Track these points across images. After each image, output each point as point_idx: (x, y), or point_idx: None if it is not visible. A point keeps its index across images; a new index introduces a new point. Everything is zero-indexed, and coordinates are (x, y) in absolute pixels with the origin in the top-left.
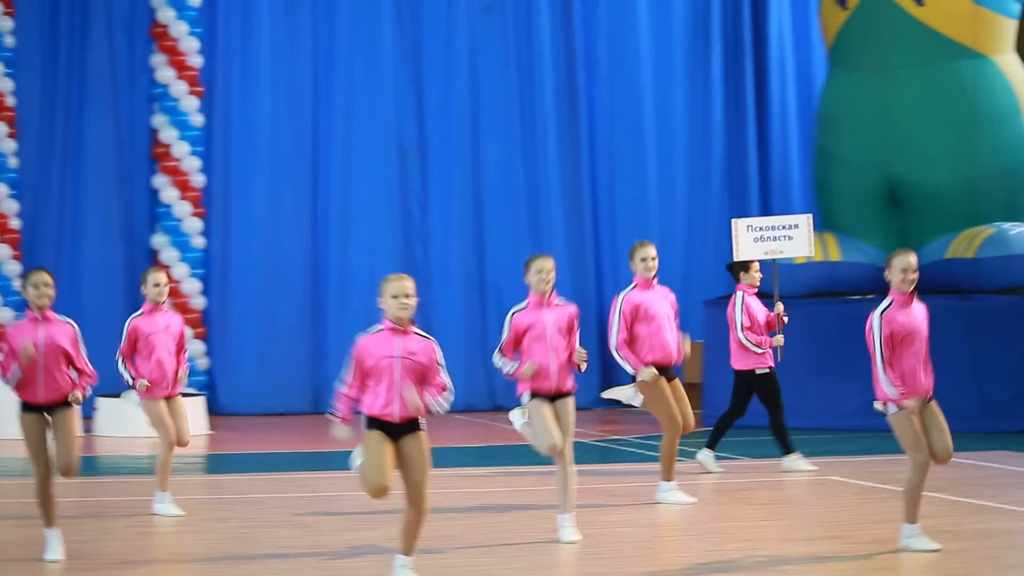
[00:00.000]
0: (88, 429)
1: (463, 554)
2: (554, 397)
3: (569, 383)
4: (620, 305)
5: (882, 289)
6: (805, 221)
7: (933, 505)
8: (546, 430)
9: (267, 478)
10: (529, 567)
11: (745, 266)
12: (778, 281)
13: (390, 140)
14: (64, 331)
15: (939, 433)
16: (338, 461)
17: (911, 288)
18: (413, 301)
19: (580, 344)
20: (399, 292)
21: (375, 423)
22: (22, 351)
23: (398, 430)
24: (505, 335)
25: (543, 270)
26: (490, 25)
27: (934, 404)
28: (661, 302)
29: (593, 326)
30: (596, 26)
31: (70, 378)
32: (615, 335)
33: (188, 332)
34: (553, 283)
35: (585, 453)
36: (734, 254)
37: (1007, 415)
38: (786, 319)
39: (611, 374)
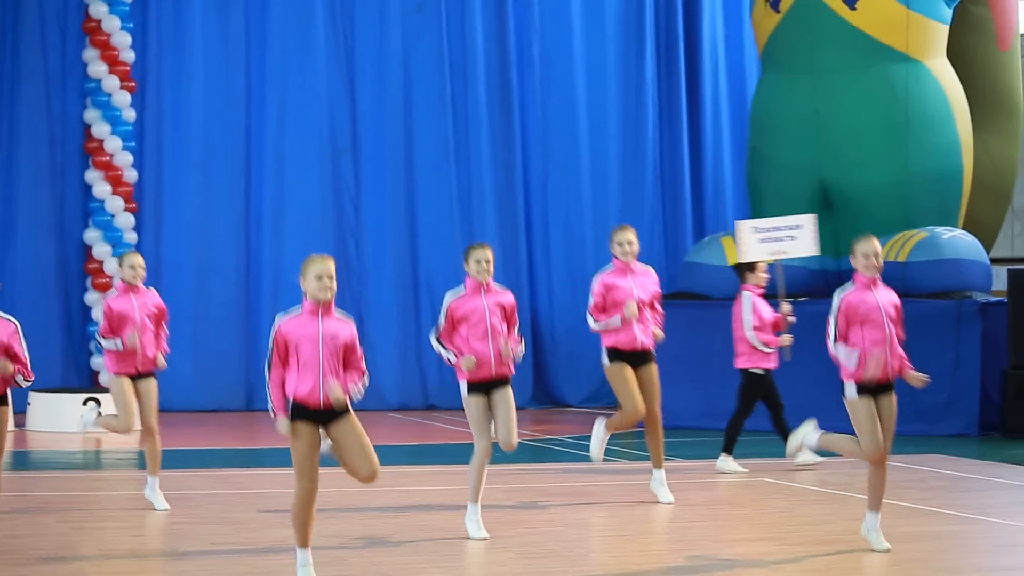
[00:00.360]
0: (21, 424)
1: (393, 552)
2: (492, 385)
3: (507, 368)
4: (593, 285)
5: (813, 292)
6: (809, 221)
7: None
8: (479, 434)
9: (200, 475)
10: (460, 566)
11: (751, 266)
12: (783, 281)
13: (323, 137)
14: (5, 328)
15: (883, 431)
16: (271, 458)
17: (874, 274)
18: (334, 283)
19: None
20: (322, 273)
21: (301, 411)
22: None
23: (325, 416)
24: (442, 321)
25: (482, 260)
26: (423, 24)
27: (892, 401)
28: (635, 287)
29: (527, 324)
30: (529, 26)
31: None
32: (590, 312)
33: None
34: (492, 272)
35: (519, 453)
36: (739, 255)
37: (939, 418)
38: (792, 319)
39: (544, 373)
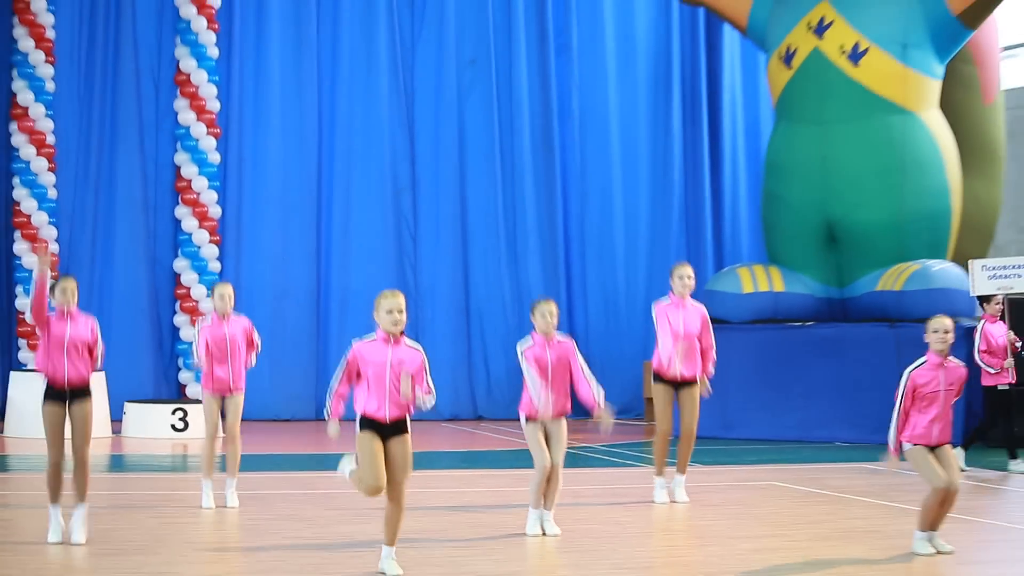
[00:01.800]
0: (117, 431)
1: (446, 547)
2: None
3: (566, 408)
4: (654, 313)
5: (819, 317)
6: None
7: (863, 508)
8: (537, 454)
9: (274, 476)
10: (506, 559)
11: (988, 298)
12: (1009, 312)
13: (386, 177)
14: (88, 325)
15: (948, 470)
16: (337, 463)
17: (943, 347)
18: (404, 316)
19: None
20: (393, 307)
21: (367, 423)
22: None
23: (388, 431)
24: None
25: (547, 313)
26: (475, 77)
27: (946, 448)
28: (684, 319)
29: None
30: (569, 80)
31: (90, 366)
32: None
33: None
34: (555, 325)
35: None
36: (971, 290)
37: None
38: (1019, 345)
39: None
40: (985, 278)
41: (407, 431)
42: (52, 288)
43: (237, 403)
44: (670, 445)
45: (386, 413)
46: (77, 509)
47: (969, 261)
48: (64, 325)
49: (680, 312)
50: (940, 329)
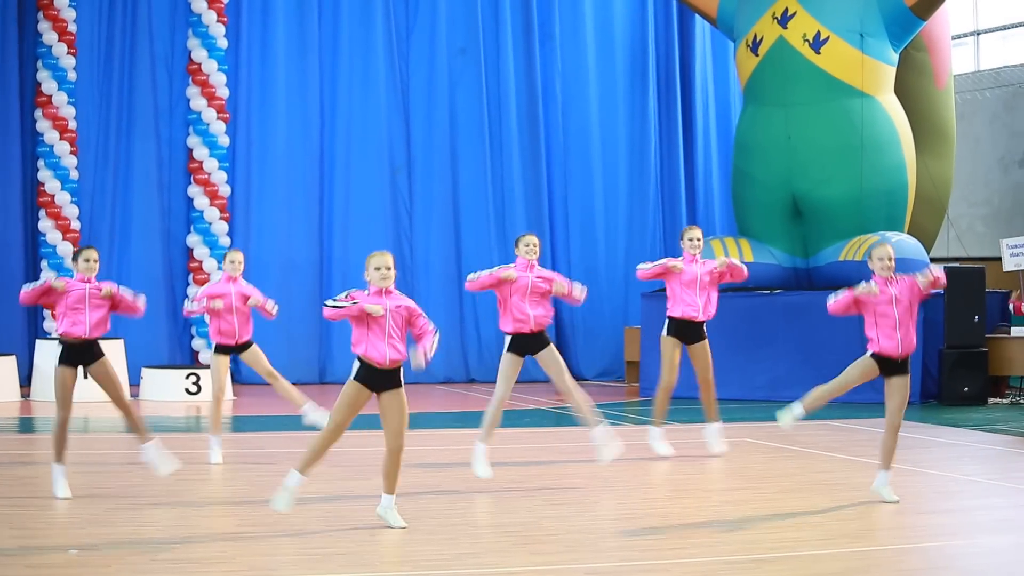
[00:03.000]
0: (135, 395)
1: (442, 500)
2: (531, 340)
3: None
4: (665, 263)
5: (786, 285)
6: None
7: (828, 462)
8: (504, 383)
9: (280, 436)
10: (495, 512)
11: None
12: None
13: (383, 158)
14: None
15: (891, 404)
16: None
17: (888, 274)
18: (392, 272)
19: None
20: (380, 265)
21: (363, 372)
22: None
23: (383, 382)
24: (485, 275)
25: (531, 244)
26: (466, 65)
27: (904, 380)
28: (698, 272)
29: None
30: (553, 66)
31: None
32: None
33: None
34: (538, 255)
35: (542, 418)
36: (1003, 265)
37: None
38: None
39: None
40: (1008, 255)
41: (400, 384)
42: (75, 256)
43: (255, 352)
44: (671, 398)
45: (387, 357)
46: (146, 445)
47: (1000, 240)
48: (84, 287)
49: (691, 266)
50: (885, 256)
